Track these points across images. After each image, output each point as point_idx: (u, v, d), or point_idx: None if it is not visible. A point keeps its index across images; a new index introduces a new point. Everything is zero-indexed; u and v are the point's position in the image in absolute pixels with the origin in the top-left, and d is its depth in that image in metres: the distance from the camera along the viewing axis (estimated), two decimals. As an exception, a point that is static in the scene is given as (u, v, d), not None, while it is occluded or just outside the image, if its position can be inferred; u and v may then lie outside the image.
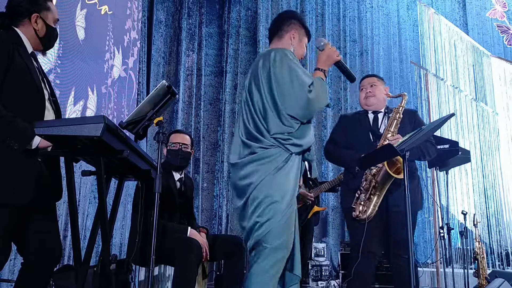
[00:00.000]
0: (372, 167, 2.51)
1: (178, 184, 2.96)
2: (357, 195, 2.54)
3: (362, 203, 2.49)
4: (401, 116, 2.57)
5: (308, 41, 2.23)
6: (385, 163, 2.40)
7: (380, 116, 2.70)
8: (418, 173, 2.74)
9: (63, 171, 1.91)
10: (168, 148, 2.95)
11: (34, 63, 1.85)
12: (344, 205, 2.68)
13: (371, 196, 2.49)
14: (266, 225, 1.84)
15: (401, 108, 2.59)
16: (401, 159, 2.40)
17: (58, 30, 1.99)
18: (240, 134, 1.99)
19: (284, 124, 1.90)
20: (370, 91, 2.70)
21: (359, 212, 2.49)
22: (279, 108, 1.90)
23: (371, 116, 2.72)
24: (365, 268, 2.53)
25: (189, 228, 2.79)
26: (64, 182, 1.90)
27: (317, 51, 2.14)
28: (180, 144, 2.95)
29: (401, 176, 2.35)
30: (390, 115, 2.63)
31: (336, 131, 2.83)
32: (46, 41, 1.91)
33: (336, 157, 2.78)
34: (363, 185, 2.53)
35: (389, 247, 2.57)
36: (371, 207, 2.47)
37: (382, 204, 2.50)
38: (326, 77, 2.05)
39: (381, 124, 2.66)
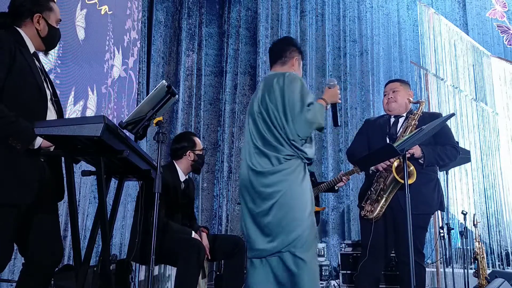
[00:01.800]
0: (384, 171, 2.55)
1: (183, 185, 2.98)
2: (367, 195, 2.62)
3: (371, 203, 2.58)
4: (417, 123, 2.61)
5: (302, 60, 2.46)
6: (394, 168, 2.46)
7: (400, 120, 2.75)
8: (437, 176, 2.75)
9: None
10: (198, 153, 3.00)
11: (37, 63, 1.85)
12: (359, 204, 2.76)
13: (379, 198, 2.57)
14: (294, 233, 2.00)
15: (417, 115, 2.64)
16: (409, 163, 2.47)
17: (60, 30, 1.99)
18: (254, 141, 2.19)
19: (299, 139, 2.13)
20: (391, 97, 2.77)
21: (367, 211, 2.58)
22: (296, 121, 2.14)
23: (392, 120, 2.78)
24: (372, 268, 2.56)
25: (193, 232, 2.80)
26: (64, 182, 1.90)
27: (325, 88, 2.38)
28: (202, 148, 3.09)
29: (410, 181, 2.41)
30: (408, 120, 2.69)
31: (358, 135, 2.94)
32: (48, 41, 1.90)
33: (355, 160, 2.88)
34: (374, 186, 2.62)
35: (398, 247, 2.59)
36: (378, 208, 2.56)
37: (396, 205, 2.53)
38: (326, 109, 2.26)
39: (399, 128, 2.72)
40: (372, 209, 2.56)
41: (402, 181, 2.40)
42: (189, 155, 2.97)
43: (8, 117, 1.63)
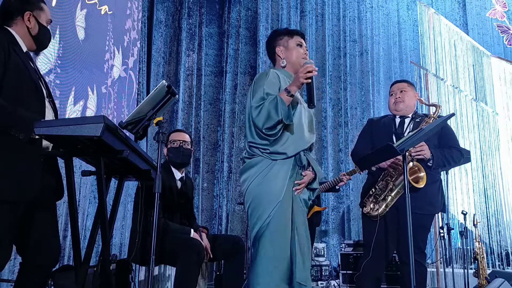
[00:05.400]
0: (391, 170, 2.56)
1: (179, 183, 2.96)
2: (371, 192, 2.60)
3: (375, 201, 2.57)
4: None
5: (302, 37, 2.26)
6: (409, 171, 2.45)
7: (406, 120, 2.73)
8: (440, 177, 2.76)
9: (61, 171, 1.91)
10: (169, 146, 2.96)
11: (30, 63, 1.85)
12: (361, 202, 2.73)
13: (386, 197, 2.56)
14: (257, 226, 2.01)
15: (432, 119, 2.61)
16: (422, 168, 2.49)
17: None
18: None
19: (257, 135, 2.05)
20: (399, 97, 2.73)
21: (370, 209, 2.57)
22: (250, 121, 2.08)
23: (397, 120, 2.75)
24: (375, 268, 2.56)
25: (191, 230, 2.80)
26: (64, 182, 1.90)
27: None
28: (180, 141, 2.97)
29: (419, 185, 2.45)
30: (417, 120, 2.68)
31: (363, 136, 2.88)
32: (39, 40, 1.90)
33: (355, 160, 2.83)
34: (379, 185, 2.61)
35: (402, 247, 2.59)
36: (383, 207, 2.55)
37: (400, 205, 2.53)
38: (291, 97, 1.99)
39: (406, 128, 2.70)
40: (377, 207, 2.55)
41: (416, 185, 2.45)
42: (165, 151, 2.97)
43: (6, 108, 1.63)
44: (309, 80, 1.99)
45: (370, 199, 2.59)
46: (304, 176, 2.10)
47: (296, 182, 2.07)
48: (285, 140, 2.05)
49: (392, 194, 2.54)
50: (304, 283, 1.97)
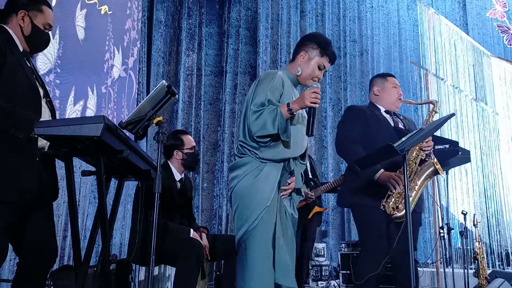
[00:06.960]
0: (412, 166, 2.52)
1: (179, 184, 2.96)
2: (389, 193, 2.46)
3: (397, 200, 2.44)
4: (433, 120, 2.61)
5: (332, 63, 2.22)
6: (434, 161, 2.49)
7: (392, 116, 2.73)
8: None
9: (61, 171, 1.91)
10: (186, 151, 2.95)
11: (27, 62, 1.84)
12: (351, 201, 2.64)
13: (411, 194, 2.49)
14: (243, 227, 1.98)
15: (434, 113, 2.65)
16: (437, 160, 2.52)
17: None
18: None
19: (249, 137, 2.03)
20: (401, 94, 2.73)
21: (394, 210, 2.44)
22: (246, 122, 2.06)
23: (385, 115, 2.71)
24: (377, 267, 2.53)
25: (191, 230, 2.80)
26: (64, 182, 1.90)
27: None
28: (195, 146, 3.02)
29: (444, 176, 2.48)
30: (401, 117, 2.73)
31: (352, 126, 2.67)
32: (32, 41, 1.86)
33: (351, 154, 2.60)
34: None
35: (400, 246, 2.55)
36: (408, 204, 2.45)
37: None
38: (290, 114, 1.97)
39: (399, 125, 2.69)
40: (402, 206, 2.41)
41: (443, 175, 2.47)
42: (177, 155, 2.94)
43: (6, 107, 1.62)
44: (315, 105, 1.95)
45: (389, 199, 2.45)
46: (289, 183, 2.08)
47: (282, 187, 2.05)
48: (278, 150, 2.03)
49: (416, 188, 2.47)
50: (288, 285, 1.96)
